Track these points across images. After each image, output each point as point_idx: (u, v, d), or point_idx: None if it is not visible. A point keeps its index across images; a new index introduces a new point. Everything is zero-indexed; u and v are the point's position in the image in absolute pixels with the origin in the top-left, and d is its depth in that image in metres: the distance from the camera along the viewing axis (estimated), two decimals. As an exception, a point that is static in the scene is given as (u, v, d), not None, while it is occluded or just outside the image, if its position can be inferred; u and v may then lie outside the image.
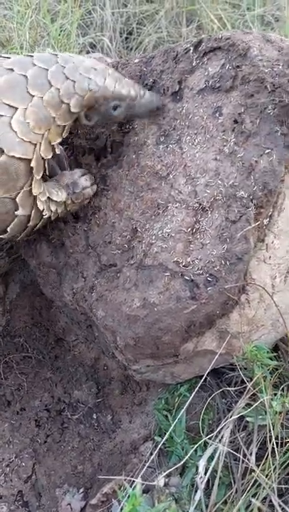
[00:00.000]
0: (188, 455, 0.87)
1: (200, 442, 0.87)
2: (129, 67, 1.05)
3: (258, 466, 0.83)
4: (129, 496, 0.67)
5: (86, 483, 1.11)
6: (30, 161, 0.82)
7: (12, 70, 0.83)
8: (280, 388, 0.91)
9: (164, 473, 0.82)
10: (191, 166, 0.93)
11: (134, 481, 0.70)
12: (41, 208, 0.89)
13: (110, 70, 0.92)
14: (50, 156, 0.87)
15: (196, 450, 0.91)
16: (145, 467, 0.94)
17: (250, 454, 0.85)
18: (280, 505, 0.78)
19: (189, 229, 0.89)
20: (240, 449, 0.87)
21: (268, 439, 0.84)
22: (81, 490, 1.09)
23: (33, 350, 1.32)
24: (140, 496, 0.67)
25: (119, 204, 1.00)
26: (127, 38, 2.01)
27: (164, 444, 0.99)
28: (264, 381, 0.87)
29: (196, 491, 0.79)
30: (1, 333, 1.33)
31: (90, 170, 1.04)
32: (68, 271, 1.04)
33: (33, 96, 0.82)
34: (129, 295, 0.91)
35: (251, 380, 0.88)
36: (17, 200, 0.84)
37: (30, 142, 0.82)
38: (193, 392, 0.92)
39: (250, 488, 0.83)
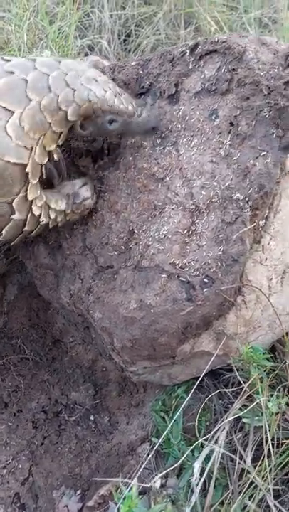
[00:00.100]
0: (185, 456, 0.88)
1: (196, 443, 0.87)
2: (126, 70, 1.05)
3: (254, 467, 0.83)
4: (125, 498, 0.67)
5: (83, 485, 1.11)
6: (25, 166, 0.82)
7: (13, 72, 0.82)
8: (277, 389, 0.92)
9: (161, 475, 0.82)
10: (187, 168, 0.93)
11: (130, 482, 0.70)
12: (37, 213, 0.88)
13: (111, 84, 0.91)
14: (45, 162, 0.86)
15: (192, 451, 0.91)
16: (142, 469, 0.94)
17: (247, 455, 0.85)
18: (276, 506, 0.78)
19: (186, 231, 0.90)
20: (237, 451, 0.87)
21: (264, 440, 0.85)
22: (78, 492, 1.09)
23: (31, 352, 1.32)
24: (136, 497, 0.67)
25: (116, 206, 1.00)
26: (125, 40, 2.01)
27: (161, 445, 0.99)
28: (260, 382, 0.87)
29: (192, 493, 0.79)
30: (-1, 335, 1.34)
31: (87, 172, 1.05)
32: (65, 272, 1.04)
33: (31, 100, 0.81)
34: (125, 297, 0.91)
35: (248, 381, 0.88)
36: (13, 204, 0.84)
37: (25, 147, 0.81)
38: (190, 394, 0.92)
39: (246, 490, 0.83)
